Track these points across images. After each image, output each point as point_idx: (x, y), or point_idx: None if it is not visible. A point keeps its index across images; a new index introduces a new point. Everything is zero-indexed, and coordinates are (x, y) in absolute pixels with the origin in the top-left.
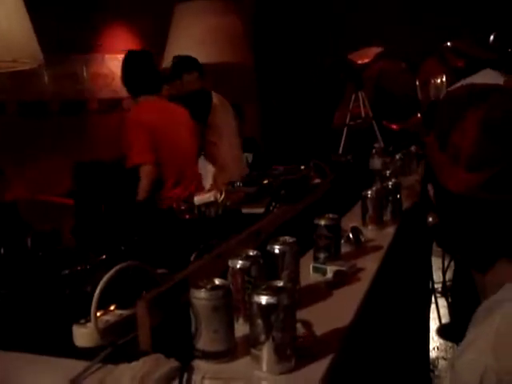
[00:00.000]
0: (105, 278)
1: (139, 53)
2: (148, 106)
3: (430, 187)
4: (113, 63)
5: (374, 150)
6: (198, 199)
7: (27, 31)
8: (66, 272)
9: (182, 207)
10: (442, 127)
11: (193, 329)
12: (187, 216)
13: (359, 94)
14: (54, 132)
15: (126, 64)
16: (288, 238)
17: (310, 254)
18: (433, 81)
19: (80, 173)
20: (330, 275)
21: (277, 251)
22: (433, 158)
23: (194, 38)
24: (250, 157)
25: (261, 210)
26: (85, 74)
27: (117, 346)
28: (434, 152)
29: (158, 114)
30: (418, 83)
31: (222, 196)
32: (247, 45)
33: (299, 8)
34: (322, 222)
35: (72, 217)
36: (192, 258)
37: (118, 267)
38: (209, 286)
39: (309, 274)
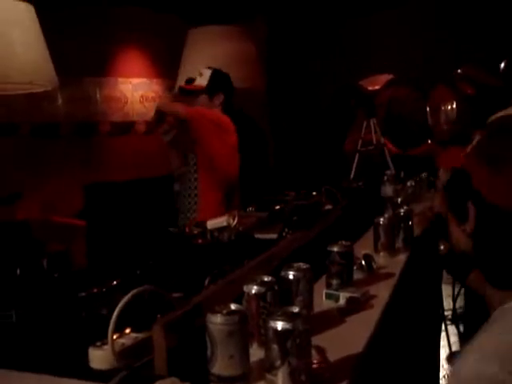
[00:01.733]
0: (122, 302)
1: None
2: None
3: (470, 205)
4: (125, 87)
5: (385, 177)
6: (211, 224)
7: (43, 54)
8: (83, 294)
9: (195, 231)
10: (493, 152)
11: (208, 353)
12: (200, 241)
13: (371, 121)
14: (67, 153)
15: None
16: (302, 265)
17: (323, 280)
18: (443, 107)
19: (91, 194)
20: (342, 302)
21: (291, 277)
22: (478, 179)
23: (206, 63)
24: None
25: (273, 236)
26: (98, 96)
27: (132, 369)
28: (480, 174)
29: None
30: (428, 110)
31: (235, 221)
32: (260, 70)
33: (311, 34)
34: (335, 249)
35: (83, 237)
36: (206, 283)
37: (134, 291)
38: (225, 311)
39: (321, 300)
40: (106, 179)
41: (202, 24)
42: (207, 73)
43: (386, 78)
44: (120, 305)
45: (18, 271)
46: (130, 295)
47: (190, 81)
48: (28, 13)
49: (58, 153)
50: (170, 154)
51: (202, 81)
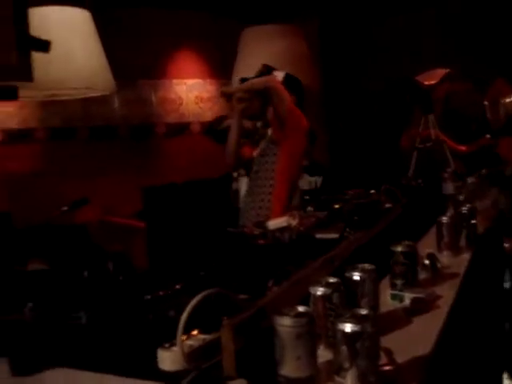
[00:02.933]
0: (191, 304)
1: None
2: None
3: None
4: (180, 88)
5: (445, 175)
6: (272, 224)
7: (101, 60)
8: (149, 297)
9: (255, 232)
10: None
11: (276, 355)
12: (261, 241)
13: (429, 117)
14: (123, 155)
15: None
16: (367, 266)
17: (386, 280)
18: (502, 100)
19: (150, 196)
20: (407, 302)
21: (357, 278)
22: None
23: (261, 63)
24: (319, 180)
25: (333, 236)
26: (153, 98)
27: (201, 371)
28: None
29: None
30: (486, 103)
31: (296, 221)
32: (314, 68)
33: (364, 28)
34: (399, 249)
35: (142, 239)
36: (269, 284)
37: (203, 294)
38: (292, 313)
39: (386, 300)
40: (163, 180)
41: (254, 24)
42: (280, 75)
43: (442, 72)
44: (189, 307)
45: (86, 274)
46: (199, 297)
47: (244, 81)
48: (85, 19)
49: (116, 156)
50: (231, 128)
51: None
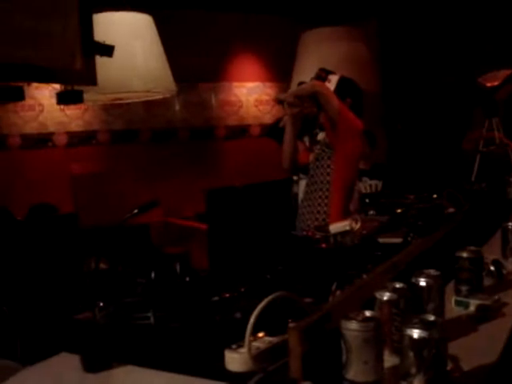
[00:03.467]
0: (259, 307)
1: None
2: None
3: None
4: (240, 91)
5: (510, 179)
6: (334, 228)
7: (162, 63)
8: (216, 298)
9: (318, 236)
10: None
11: (343, 359)
12: (324, 245)
13: (493, 120)
14: (184, 157)
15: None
16: (433, 272)
17: (450, 286)
18: None
19: (212, 197)
20: (472, 309)
21: (423, 284)
22: None
23: (320, 65)
24: (379, 184)
25: (396, 240)
26: (213, 101)
27: (267, 372)
28: None
29: None
30: None
31: (358, 225)
32: (374, 70)
33: (424, 31)
34: (464, 255)
35: (200, 240)
36: (333, 288)
37: (272, 296)
38: (359, 318)
39: (450, 307)
40: (223, 182)
41: (314, 26)
42: (334, 79)
43: (505, 73)
44: (258, 309)
45: (153, 275)
46: (267, 300)
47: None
48: (147, 24)
49: (177, 158)
50: (285, 134)
51: (330, 87)
